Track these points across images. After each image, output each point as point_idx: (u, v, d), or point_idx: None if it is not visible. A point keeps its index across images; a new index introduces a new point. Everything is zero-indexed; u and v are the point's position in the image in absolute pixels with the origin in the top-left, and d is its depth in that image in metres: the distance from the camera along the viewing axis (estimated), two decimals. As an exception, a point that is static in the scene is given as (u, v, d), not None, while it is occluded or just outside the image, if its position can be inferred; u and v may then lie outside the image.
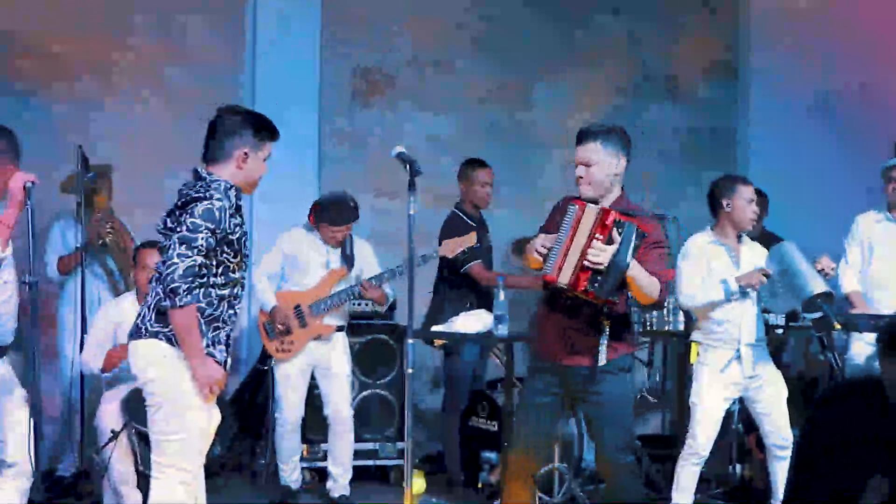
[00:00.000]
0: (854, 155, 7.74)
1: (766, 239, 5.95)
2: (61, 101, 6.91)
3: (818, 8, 8.35)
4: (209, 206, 3.85)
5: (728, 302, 5.17)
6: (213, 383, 3.90)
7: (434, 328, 6.08)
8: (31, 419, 4.34)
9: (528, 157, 7.95)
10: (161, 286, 3.85)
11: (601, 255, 4.08)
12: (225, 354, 4.00)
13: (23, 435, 4.36)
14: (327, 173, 7.40)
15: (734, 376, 5.26)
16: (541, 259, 4.26)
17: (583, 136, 4.35)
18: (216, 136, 4.00)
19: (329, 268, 6.04)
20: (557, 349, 4.33)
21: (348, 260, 6.07)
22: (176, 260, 3.80)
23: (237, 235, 3.96)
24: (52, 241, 6.30)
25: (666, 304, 6.03)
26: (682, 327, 6.07)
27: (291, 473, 6.07)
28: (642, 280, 4.19)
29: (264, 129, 4.04)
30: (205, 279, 3.88)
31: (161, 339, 3.90)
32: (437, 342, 6.34)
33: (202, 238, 3.82)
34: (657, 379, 7.26)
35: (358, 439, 6.30)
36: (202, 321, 3.90)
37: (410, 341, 4.42)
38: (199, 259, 3.82)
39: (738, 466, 6.18)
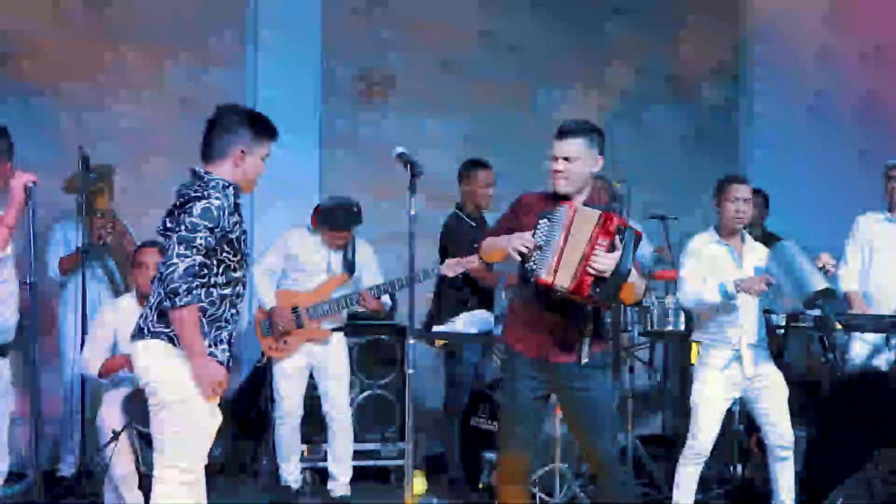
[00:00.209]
0: (854, 155, 7.74)
1: (767, 239, 5.95)
2: (63, 102, 6.91)
3: (819, 9, 8.35)
4: (207, 205, 3.85)
5: (727, 304, 5.17)
6: (216, 383, 3.91)
7: (435, 328, 6.09)
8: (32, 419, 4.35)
9: (529, 157, 7.93)
10: (162, 287, 3.86)
11: (607, 262, 4.11)
12: (227, 354, 4.01)
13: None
14: (328, 174, 7.41)
15: (735, 376, 5.25)
16: (517, 256, 4.27)
17: (566, 132, 4.38)
18: (214, 134, 4.01)
19: (330, 271, 6.04)
20: (545, 347, 4.36)
21: (350, 265, 6.07)
22: (175, 260, 3.80)
23: (236, 234, 3.96)
24: (52, 241, 6.30)
25: (668, 304, 6.06)
26: (682, 327, 6.07)
27: (292, 474, 6.07)
28: (637, 283, 4.31)
29: (262, 128, 4.05)
30: (206, 279, 3.88)
31: (164, 340, 3.90)
32: (438, 342, 6.35)
33: (201, 237, 3.82)
34: (658, 379, 7.26)
35: (359, 440, 6.31)
36: (204, 321, 3.90)
37: (411, 341, 4.42)
38: (199, 259, 3.82)
39: (738, 467, 6.17)
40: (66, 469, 6.19)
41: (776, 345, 5.49)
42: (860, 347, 5.82)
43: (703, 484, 5.64)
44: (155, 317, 3.92)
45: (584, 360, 4.35)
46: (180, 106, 6.99)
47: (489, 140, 7.67)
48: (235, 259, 3.98)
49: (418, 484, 6.30)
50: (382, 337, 6.79)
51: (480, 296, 6.36)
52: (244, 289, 4.10)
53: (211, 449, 4.12)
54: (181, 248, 3.81)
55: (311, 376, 6.08)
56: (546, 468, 5.60)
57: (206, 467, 4.08)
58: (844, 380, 5.48)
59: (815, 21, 8.33)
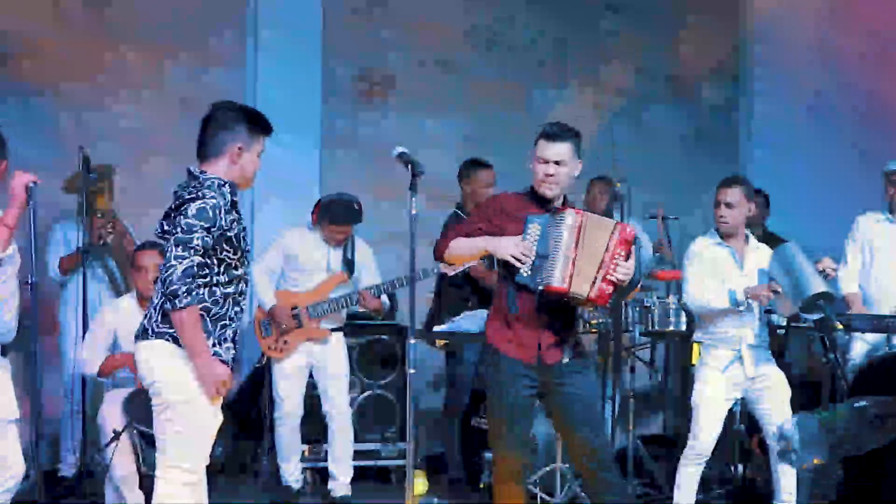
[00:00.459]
0: (854, 155, 7.74)
1: (768, 239, 5.95)
2: (63, 102, 6.91)
3: (819, 8, 8.35)
4: (202, 205, 3.85)
5: (736, 310, 5.18)
6: (219, 383, 3.91)
7: (435, 328, 6.08)
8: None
9: (530, 158, 7.93)
10: (162, 289, 3.85)
11: (628, 271, 4.30)
12: (232, 352, 4.01)
13: None
14: (328, 174, 7.40)
15: (736, 377, 5.25)
16: (517, 263, 4.30)
17: (558, 135, 4.42)
18: (210, 132, 4.00)
19: (329, 270, 6.04)
20: (535, 348, 4.40)
21: (349, 264, 6.07)
22: (173, 262, 3.80)
23: (235, 232, 3.95)
24: (53, 241, 6.30)
25: (669, 305, 6.06)
26: (683, 327, 6.07)
27: (292, 474, 6.07)
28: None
29: (257, 124, 4.05)
30: (207, 278, 3.88)
31: (167, 340, 3.90)
32: (439, 342, 6.34)
33: (198, 238, 3.82)
34: (659, 379, 7.26)
35: (359, 440, 6.31)
36: (208, 320, 3.90)
37: (412, 341, 4.42)
38: (197, 259, 3.82)
39: (739, 467, 6.17)
40: (67, 469, 6.19)
41: (777, 345, 5.49)
42: (861, 347, 5.83)
43: (705, 484, 5.65)
44: (159, 317, 3.92)
45: (573, 359, 4.46)
46: (180, 106, 6.98)
47: (489, 140, 7.67)
48: (236, 257, 3.97)
49: (419, 484, 6.30)
50: (382, 337, 6.79)
51: (481, 295, 6.35)
52: (247, 286, 4.10)
53: (212, 449, 4.12)
54: (178, 249, 3.81)
55: (310, 376, 6.08)
56: (547, 468, 5.61)
57: (207, 467, 4.08)
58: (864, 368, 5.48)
59: (815, 21, 8.33)
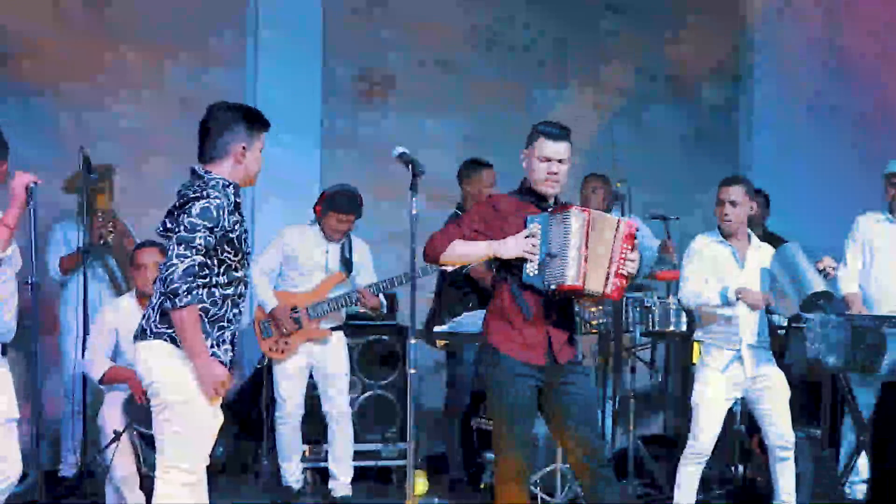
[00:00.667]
0: (855, 155, 7.74)
1: (768, 240, 5.95)
2: (63, 102, 6.91)
3: (819, 8, 8.35)
4: (206, 204, 3.84)
5: (727, 307, 5.19)
6: (218, 384, 3.90)
7: (436, 329, 6.08)
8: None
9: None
10: (162, 287, 3.85)
11: (636, 264, 4.43)
12: (230, 354, 4.00)
13: None
14: (328, 174, 7.39)
15: (736, 377, 5.25)
16: (533, 258, 4.30)
17: (561, 135, 4.48)
18: (211, 134, 3.99)
19: (328, 270, 6.03)
20: (539, 348, 4.40)
21: (347, 264, 6.07)
22: (175, 261, 3.80)
23: (237, 233, 3.95)
24: (53, 241, 6.31)
25: (670, 305, 6.06)
26: (684, 328, 6.08)
27: (293, 474, 6.07)
28: None
29: (256, 121, 4.05)
30: (207, 279, 3.88)
31: (166, 340, 3.90)
32: (439, 343, 6.34)
33: (200, 237, 3.81)
34: (659, 379, 7.26)
35: (360, 440, 6.31)
36: (206, 321, 3.90)
37: (413, 342, 4.42)
38: (199, 259, 3.81)
39: (740, 467, 6.17)
40: (68, 469, 6.20)
41: (777, 345, 5.48)
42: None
43: (705, 484, 5.65)
44: (157, 317, 3.91)
45: (577, 358, 4.52)
46: (180, 106, 6.98)
47: (489, 140, 7.67)
48: (236, 258, 3.97)
49: (420, 484, 6.30)
50: (383, 337, 6.79)
51: (481, 295, 6.35)
52: (246, 288, 4.09)
53: (212, 449, 4.12)
54: (180, 248, 3.80)
55: (310, 376, 6.09)
56: (547, 468, 5.60)
57: (208, 467, 4.07)
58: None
59: (816, 21, 8.33)
